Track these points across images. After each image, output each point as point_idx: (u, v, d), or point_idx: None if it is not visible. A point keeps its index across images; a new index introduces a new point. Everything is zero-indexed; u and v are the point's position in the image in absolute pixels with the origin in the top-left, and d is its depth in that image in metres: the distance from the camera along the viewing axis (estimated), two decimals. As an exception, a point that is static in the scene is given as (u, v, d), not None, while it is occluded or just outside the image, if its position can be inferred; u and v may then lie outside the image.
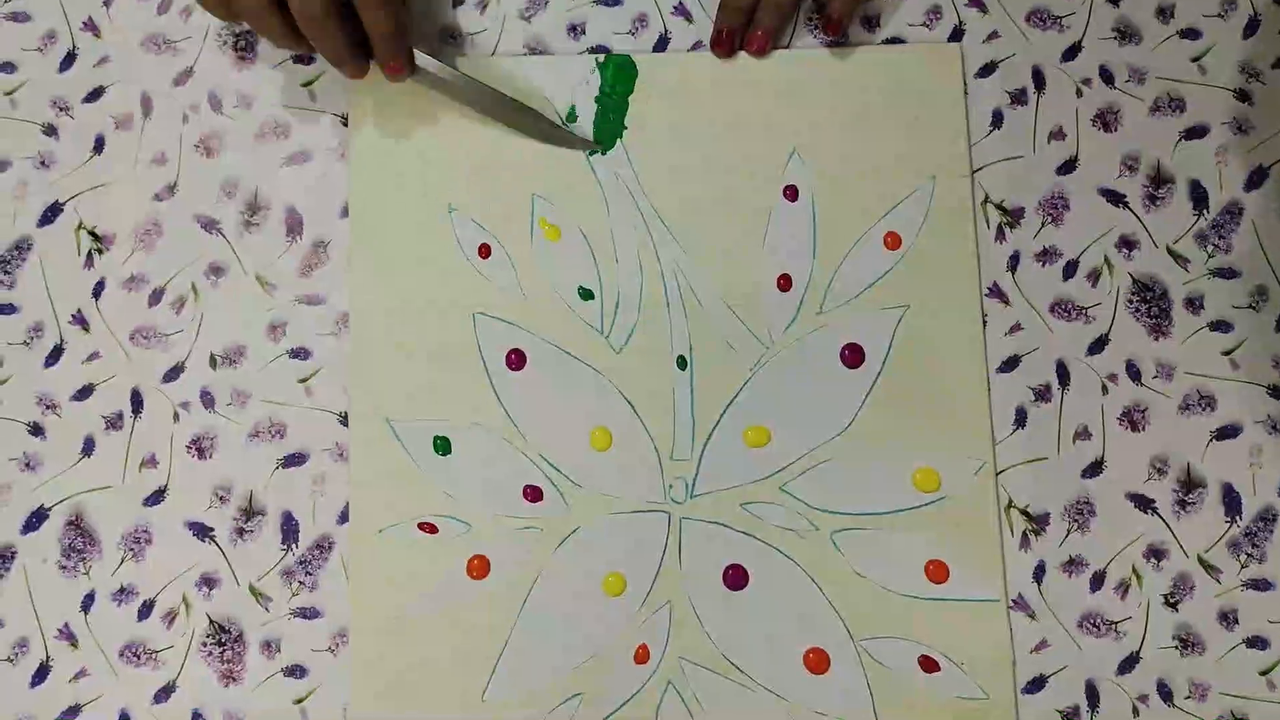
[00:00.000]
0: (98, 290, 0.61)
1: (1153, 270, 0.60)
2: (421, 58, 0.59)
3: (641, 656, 0.57)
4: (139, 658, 0.58)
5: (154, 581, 0.58)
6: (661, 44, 0.63)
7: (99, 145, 0.62)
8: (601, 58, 0.62)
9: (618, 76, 0.62)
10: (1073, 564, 0.57)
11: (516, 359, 0.59)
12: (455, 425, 0.59)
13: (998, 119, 0.61)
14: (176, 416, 0.59)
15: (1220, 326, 0.59)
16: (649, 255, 0.60)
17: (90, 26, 0.63)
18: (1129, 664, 0.57)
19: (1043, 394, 0.59)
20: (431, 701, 0.56)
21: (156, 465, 0.59)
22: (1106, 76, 0.62)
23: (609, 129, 0.61)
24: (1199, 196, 0.60)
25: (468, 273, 0.60)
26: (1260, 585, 0.57)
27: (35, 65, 0.63)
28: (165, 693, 0.57)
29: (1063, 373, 0.59)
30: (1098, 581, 0.57)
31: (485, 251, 0.60)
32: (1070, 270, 0.60)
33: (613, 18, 0.63)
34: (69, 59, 0.63)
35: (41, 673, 0.57)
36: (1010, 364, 0.59)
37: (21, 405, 0.60)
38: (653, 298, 0.60)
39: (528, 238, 0.60)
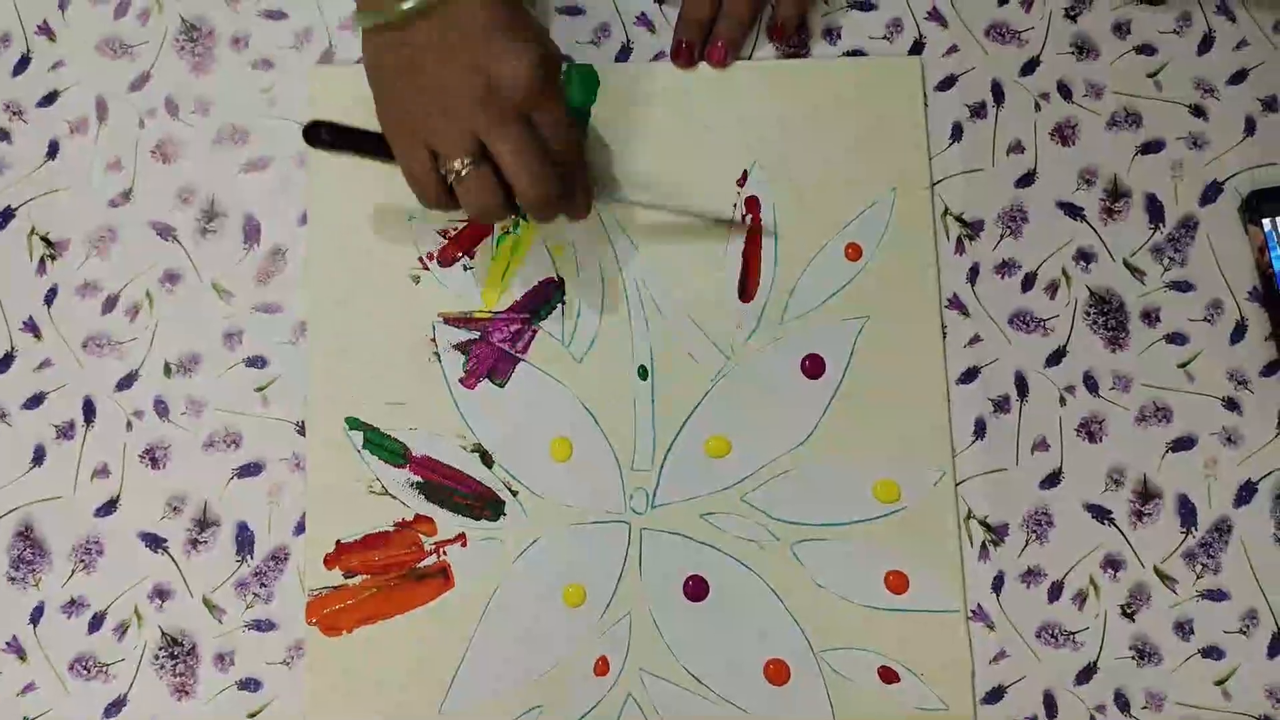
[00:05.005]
0: (50, 297, 0.60)
1: (1110, 283, 0.60)
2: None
3: (601, 668, 0.56)
4: (89, 671, 0.57)
5: (105, 593, 0.57)
6: (624, 54, 0.63)
7: (53, 150, 0.61)
8: (565, 67, 0.62)
9: (581, 86, 0.62)
10: (1031, 574, 0.58)
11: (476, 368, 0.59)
12: (414, 435, 0.58)
13: (957, 132, 0.62)
14: (129, 425, 0.59)
15: (1176, 339, 0.60)
16: (610, 265, 0.60)
17: (45, 30, 0.62)
18: (1086, 674, 0.57)
19: (1002, 405, 0.59)
20: (388, 714, 0.56)
21: (108, 475, 0.58)
22: (1064, 91, 0.62)
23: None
24: (1155, 210, 0.61)
25: (428, 282, 0.59)
26: (1215, 596, 0.57)
27: (-12, 68, 0.62)
28: (116, 707, 0.56)
29: (1021, 384, 0.59)
30: (1056, 592, 0.58)
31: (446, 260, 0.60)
32: (1029, 282, 0.60)
33: (575, 27, 0.63)
34: (23, 62, 0.62)
35: (-12, 687, 0.56)
36: (970, 375, 0.59)
37: (-30, 414, 0.59)
38: (614, 307, 0.60)
39: (489, 248, 0.60)
